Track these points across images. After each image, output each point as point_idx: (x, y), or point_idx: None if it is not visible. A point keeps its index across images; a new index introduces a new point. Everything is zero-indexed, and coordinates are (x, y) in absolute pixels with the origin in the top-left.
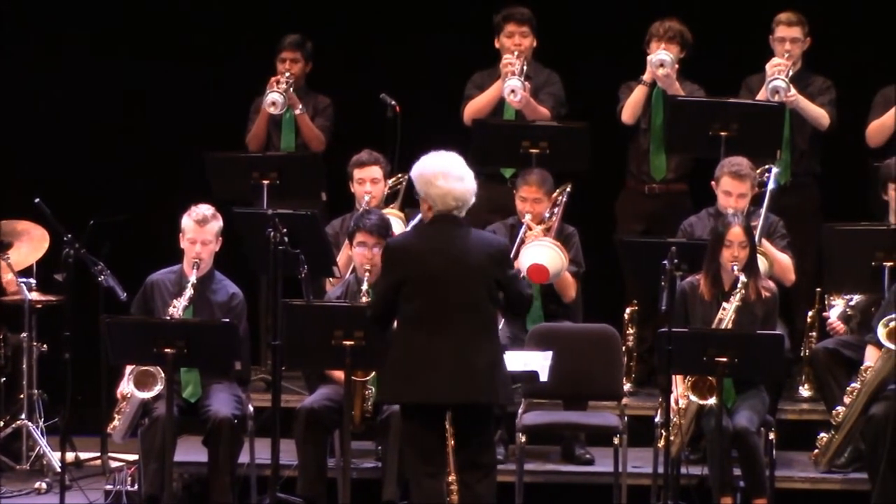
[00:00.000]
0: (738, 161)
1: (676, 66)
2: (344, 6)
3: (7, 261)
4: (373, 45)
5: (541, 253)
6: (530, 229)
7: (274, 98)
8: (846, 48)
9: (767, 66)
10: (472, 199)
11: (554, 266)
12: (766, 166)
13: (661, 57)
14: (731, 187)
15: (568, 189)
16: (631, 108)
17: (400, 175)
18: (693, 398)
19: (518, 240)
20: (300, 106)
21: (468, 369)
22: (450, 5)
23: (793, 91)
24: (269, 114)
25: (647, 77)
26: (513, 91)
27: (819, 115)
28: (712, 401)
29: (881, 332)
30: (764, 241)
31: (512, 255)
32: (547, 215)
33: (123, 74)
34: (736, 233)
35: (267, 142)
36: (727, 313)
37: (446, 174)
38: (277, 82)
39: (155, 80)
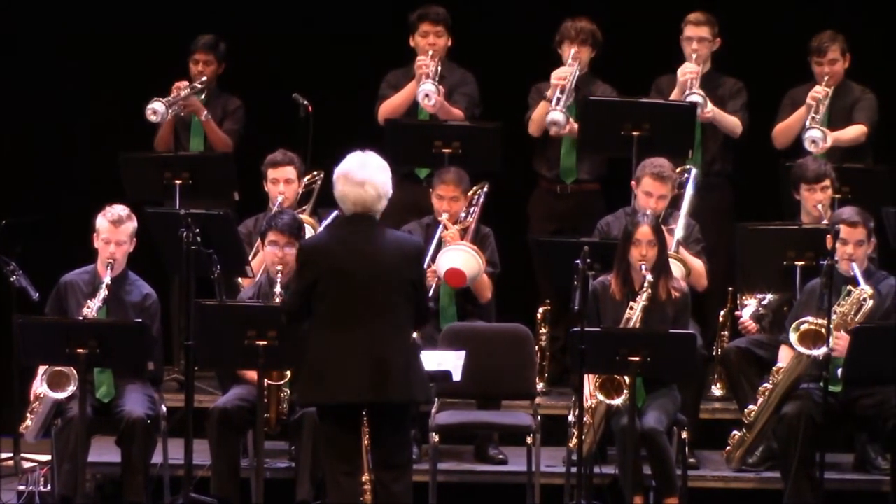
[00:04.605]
0: (660, 162)
1: (587, 69)
2: (255, 5)
3: None
4: (285, 43)
5: (457, 257)
6: (447, 229)
7: (154, 107)
8: (756, 49)
9: (679, 72)
10: (378, 203)
11: (471, 270)
12: (687, 167)
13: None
14: (653, 188)
15: (485, 188)
16: (536, 123)
17: (315, 173)
18: (600, 398)
19: (435, 239)
20: (205, 112)
21: (382, 368)
22: (363, 3)
23: (710, 106)
24: (175, 117)
25: (549, 94)
26: (427, 96)
27: (733, 125)
28: (619, 400)
29: (793, 336)
30: (680, 247)
31: (429, 256)
32: (463, 215)
33: (35, 73)
34: (644, 231)
35: (177, 143)
36: (634, 313)
37: (347, 177)
38: (179, 89)
39: (68, 79)
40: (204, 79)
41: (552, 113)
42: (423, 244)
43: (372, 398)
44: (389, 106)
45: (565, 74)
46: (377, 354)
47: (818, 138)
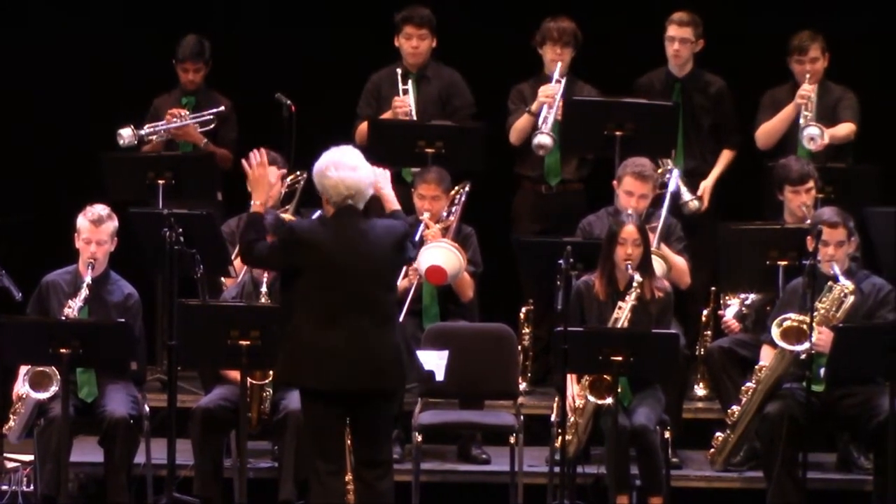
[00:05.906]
0: (642, 162)
1: (567, 69)
2: (238, 4)
3: None
4: (268, 43)
5: (438, 255)
6: (428, 228)
7: (121, 132)
8: (737, 47)
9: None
10: (369, 190)
11: (452, 268)
12: (669, 167)
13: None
14: (634, 188)
15: (467, 188)
16: (517, 133)
17: (297, 174)
18: (591, 398)
19: (416, 238)
20: (204, 141)
21: (372, 358)
22: (347, 2)
23: (700, 201)
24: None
25: (534, 107)
26: None
27: (728, 162)
28: (611, 400)
29: (775, 332)
30: (662, 244)
31: None
32: (445, 214)
33: (21, 74)
34: (629, 231)
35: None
36: (623, 313)
37: (337, 164)
38: (177, 116)
39: (51, 80)
40: (185, 112)
41: (539, 136)
42: (410, 227)
43: (360, 386)
44: (364, 132)
45: (552, 92)
46: (368, 345)
47: (816, 135)
